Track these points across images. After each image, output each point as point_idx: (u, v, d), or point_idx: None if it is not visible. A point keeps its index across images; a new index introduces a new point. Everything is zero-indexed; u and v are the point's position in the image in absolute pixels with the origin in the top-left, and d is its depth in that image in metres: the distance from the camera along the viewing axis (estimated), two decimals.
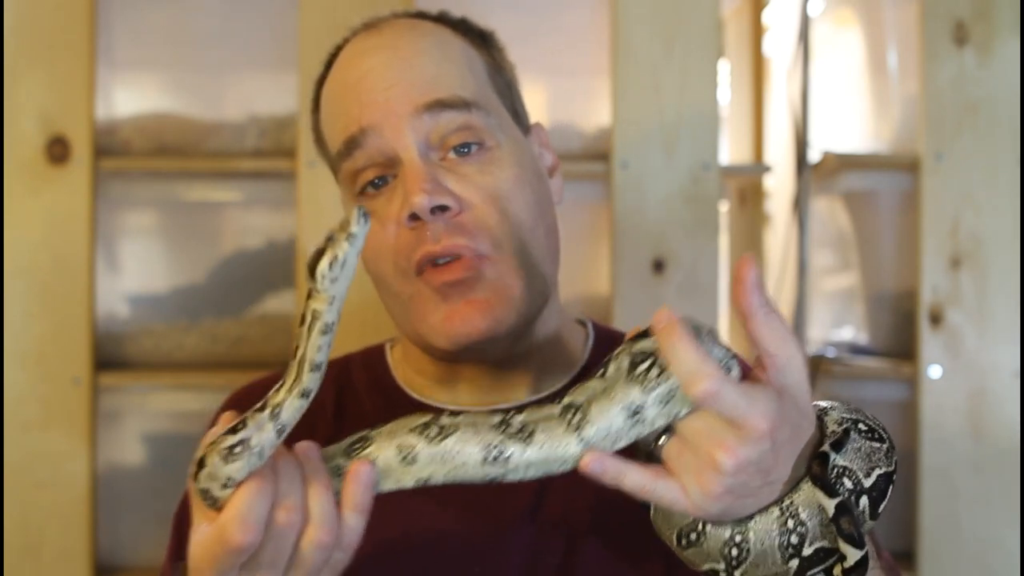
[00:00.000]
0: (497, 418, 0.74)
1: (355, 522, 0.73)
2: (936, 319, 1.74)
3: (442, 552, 0.94)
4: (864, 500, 0.74)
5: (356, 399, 1.03)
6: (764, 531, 0.73)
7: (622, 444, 0.72)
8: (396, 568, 0.93)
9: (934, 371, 1.74)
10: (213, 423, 0.77)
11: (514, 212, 0.93)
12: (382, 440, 0.74)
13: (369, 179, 0.94)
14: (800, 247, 1.91)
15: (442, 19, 1.01)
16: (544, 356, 1.00)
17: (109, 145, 1.76)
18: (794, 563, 0.73)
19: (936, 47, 1.74)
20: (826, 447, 0.74)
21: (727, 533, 0.74)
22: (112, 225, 1.81)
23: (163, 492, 1.77)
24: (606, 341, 1.04)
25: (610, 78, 1.73)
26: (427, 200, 0.89)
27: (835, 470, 0.74)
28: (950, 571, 1.72)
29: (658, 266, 1.71)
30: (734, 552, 0.74)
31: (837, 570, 0.73)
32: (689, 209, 1.71)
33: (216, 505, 0.71)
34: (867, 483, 0.75)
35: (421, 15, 1.02)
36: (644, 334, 0.75)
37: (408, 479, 0.74)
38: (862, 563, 0.72)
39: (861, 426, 0.77)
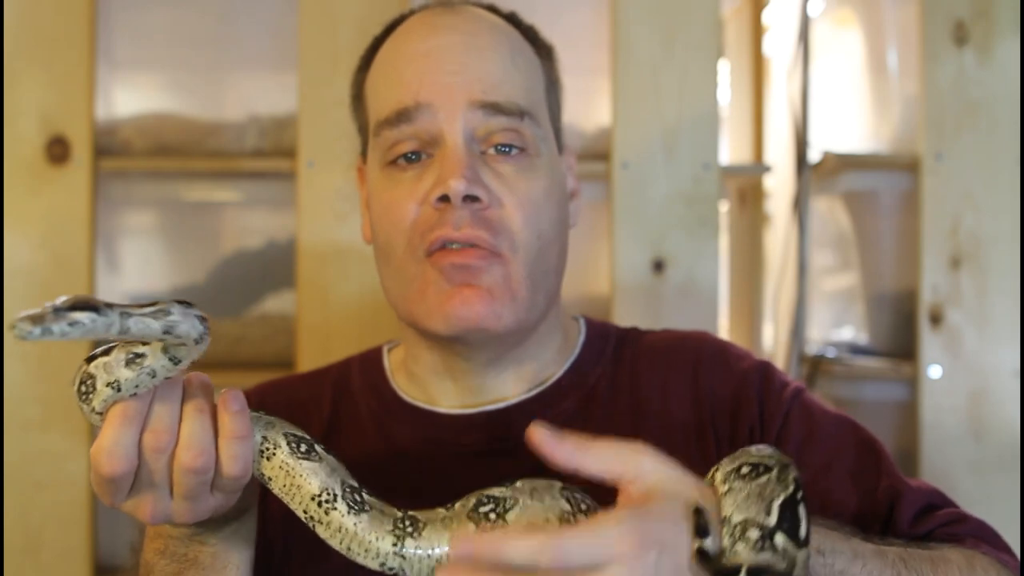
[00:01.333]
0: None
1: (235, 449, 0.74)
2: (936, 319, 1.74)
3: None
4: (779, 537, 0.70)
5: (352, 400, 1.03)
6: None
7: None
8: None
9: (934, 371, 1.74)
10: None
11: (538, 222, 0.93)
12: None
13: (405, 151, 0.94)
14: (800, 247, 1.91)
15: (513, 20, 1.02)
16: (537, 360, 1.00)
17: (109, 145, 1.76)
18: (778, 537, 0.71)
19: (936, 47, 1.74)
20: (696, 543, 0.69)
21: None
22: (112, 225, 1.81)
23: None
24: (598, 336, 1.04)
25: (610, 78, 1.73)
26: (464, 186, 0.89)
27: (736, 528, 0.70)
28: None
29: (658, 266, 1.71)
30: None
31: None
32: (689, 209, 1.71)
33: (88, 400, 0.75)
34: (771, 522, 0.70)
35: (493, 8, 1.02)
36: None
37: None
38: None
39: (744, 470, 0.73)
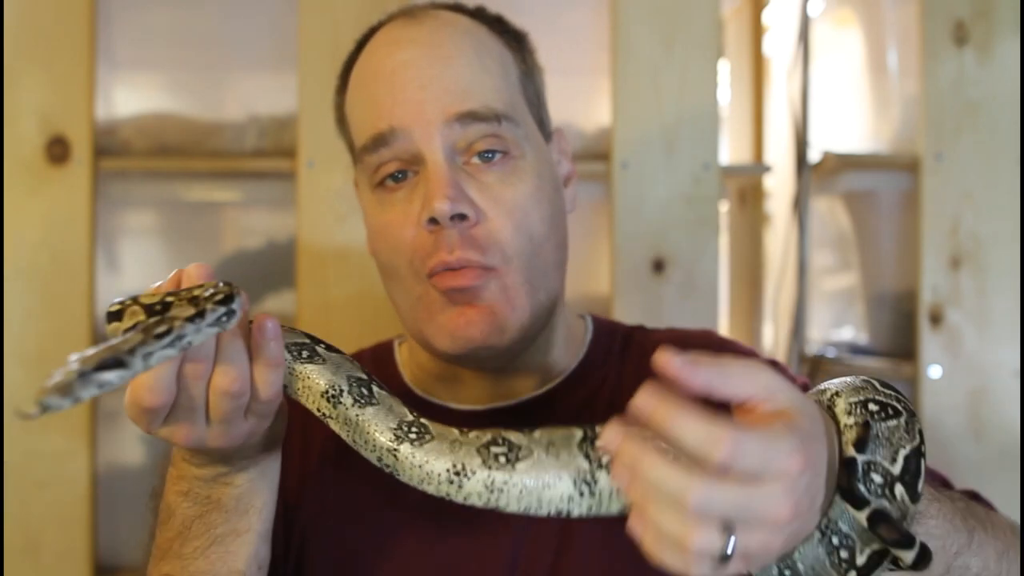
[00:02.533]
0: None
1: (270, 375, 0.75)
2: (936, 319, 1.74)
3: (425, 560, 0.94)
4: (899, 488, 0.69)
5: None
6: (812, 557, 0.69)
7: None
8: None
9: (934, 371, 1.74)
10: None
11: (528, 226, 0.93)
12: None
13: (390, 172, 0.95)
14: (800, 247, 1.91)
15: (479, 15, 1.01)
16: (546, 356, 1.00)
17: (109, 145, 1.76)
18: (852, 574, 0.70)
19: (936, 47, 1.74)
20: (852, 453, 0.68)
21: (774, 572, 0.70)
22: (112, 225, 1.81)
23: None
24: (605, 333, 1.05)
25: (610, 78, 1.73)
26: (448, 207, 0.89)
27: (859, 469, 0.68)
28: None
29: (658, 266, 1.71)
30: None
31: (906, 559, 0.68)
32: (689, 209, 1.71)
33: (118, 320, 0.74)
34: (896, 470, 0.69)
35: (459, 8, 1.01)
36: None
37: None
38: (922, 557, 0.67)
39: (872, 407, 0.70)
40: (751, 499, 0.60)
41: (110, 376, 0.66)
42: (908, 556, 0.67)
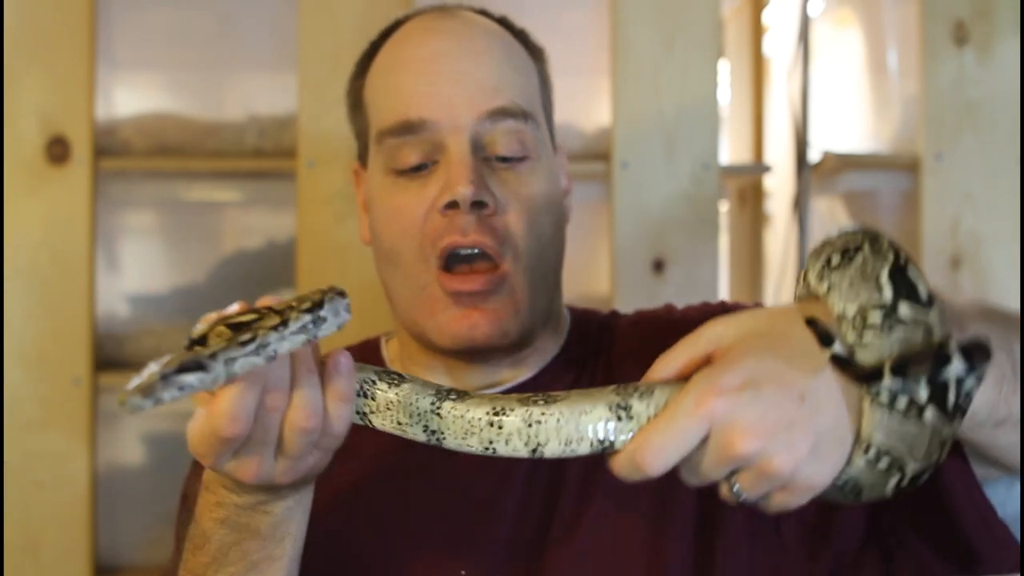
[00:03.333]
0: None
1: (340, 411, 0.75)
2: None
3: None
4: (903, 307, 0.64)
5: None
6: (857, 475, 0.66)
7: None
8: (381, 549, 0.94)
9: None
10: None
11: (540, 226, 0.95)
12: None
13: (409, 161, 0.95)
14: (800, 247, 1.91)
15: (504, 23, 1.03)
16: (534, 350, 1.01)
17: (109, 145, 1.76)
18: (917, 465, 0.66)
19: (936, 47, 1.74)
20: (826, 353, 0.65)
21: (833, 495, 0.68)
22: (112, 225, 1.81)
23: (163, 492, 1.77)
24: (582, 320, 1.06)
25: (610, 78, 1.73)
26: (472, 191, 0.90)
27: (855, 319, 0.65)
28: None
29: (658, 266, 1.71)
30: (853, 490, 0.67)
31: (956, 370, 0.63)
32: (689, 209, 1.71)
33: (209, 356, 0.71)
34: (888, 296, 0.65)
35: (485, 13, 1.03)
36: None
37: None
38: (974, 355, 0.62)
39: (833, 260, 0.67)
40: (705, 454, 0.65)
41: (191, 379, 0.66)
42: (956, 369, 0.62)
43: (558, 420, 0.70)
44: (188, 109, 1.82)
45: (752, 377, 0.64)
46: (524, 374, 1.00)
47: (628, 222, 1.72)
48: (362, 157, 1.03)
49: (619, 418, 0.69)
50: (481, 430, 0.72)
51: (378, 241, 0.98)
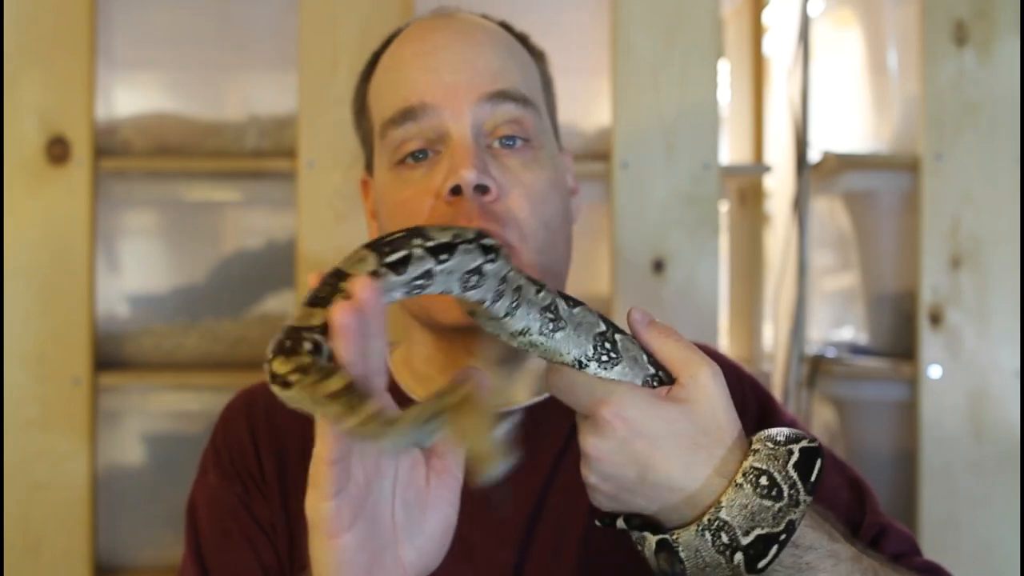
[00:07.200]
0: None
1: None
2: (936, 319, 1.74)
3: None
4: (739, 556, 0.74)
5: None
6: (695, 545, 0.75)
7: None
8: None
9: (934, 371, 1.74)
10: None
11: (545, 212, 0.95)
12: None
13: (412, 150, 0.95)
14: (800, 247, 1.91)
15: (506, 26, 1.04)
16: (541, 364, 1.00)
17: (109, 145, 1.76)
18: (739, 555, 0.74)
19: (936, 47, 1.74)
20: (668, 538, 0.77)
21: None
22: (112, 225, 1.81)
23: (163, 492, 1.77)
24: None
25: (610, 78, 1.73)
26: (475, 175, 0.90)
27: (715, 523, 0.74)
28: (950, 571, 1.72)
29: (658, 266, 1.71)
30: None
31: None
32: (689, 209, 1.71)
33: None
34: (744, 541, 0.74)
35: (486, 18, 1.04)
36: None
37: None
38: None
39: (763, 480, 0.75)
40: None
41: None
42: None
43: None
44: (188, 109, 1.82)
45: (640, 435, 0.75)
46: (536, 394, 1.01)
47: (628, 222, 1.72)
48: (368, 165, 1.04)
49: (600, 360, 0.78)
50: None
51: (383, 230, 0.98)
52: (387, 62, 1.01)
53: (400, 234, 0.73)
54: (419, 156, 0.95)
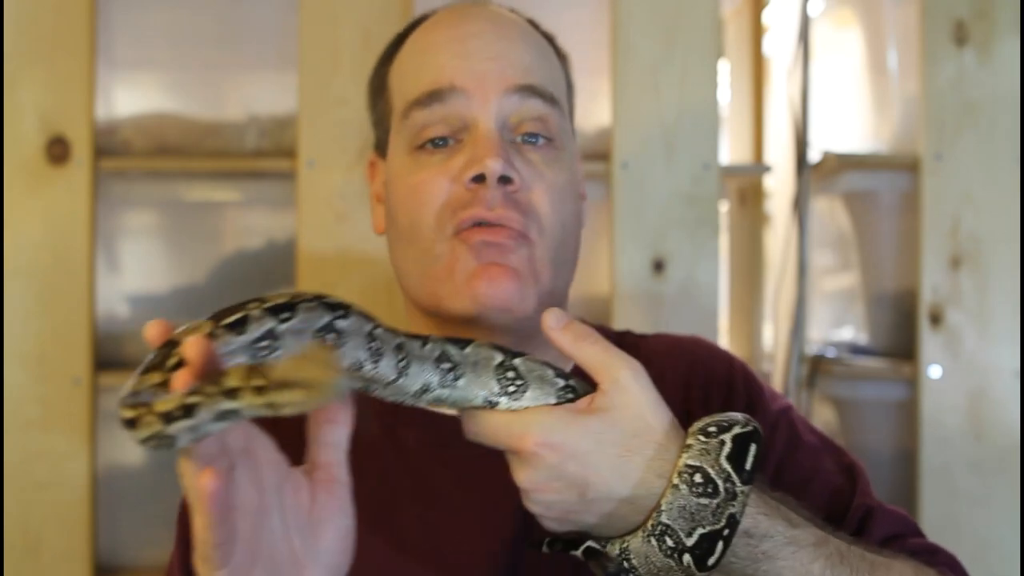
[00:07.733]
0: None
1: None
2: (936, 319, 1.74)
3: None
4: (687, 557, 0.74)
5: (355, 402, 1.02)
6: (644, 552, 0.75)
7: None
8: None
9: (934, 371, 1.74)
10: None
11: (562, 211, 0.95)
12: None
13: (433, 136, 0.94)
14: (800, 247, 1.91)
15: (534, 24, 1.04)
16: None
17: (109, 145, 1.76)
18: (687, 557, 0.74)
19: (936, 47, 1.74)
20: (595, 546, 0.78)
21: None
22: (112, 225, 1.81)
23: (163, 492, 1.77)
24: None
25: (610, 78, 1.73)
26: (500, 165, 0.89)
27: (658, 527, 0.74)
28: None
29: (658, 266, 1.71)
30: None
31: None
32: (689, 209, 1.71)
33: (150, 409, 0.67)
34: (689, 542, 0.73)
35: (515, 13, 1.04)
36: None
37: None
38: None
39: (697, 478, 0.74)
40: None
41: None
42: None
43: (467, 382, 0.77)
44: (188, 109, 1.82)
45: (570, 457, 0.74)
46: None
47: (628, 222, 1.72)
48: (380, 147, 1.03)
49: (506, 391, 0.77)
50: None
51: (395, 220, 0.96)
52: (417, 44, 1.00)
53: (238, 303, 0.71)
54: (439, 143, 0.94)
